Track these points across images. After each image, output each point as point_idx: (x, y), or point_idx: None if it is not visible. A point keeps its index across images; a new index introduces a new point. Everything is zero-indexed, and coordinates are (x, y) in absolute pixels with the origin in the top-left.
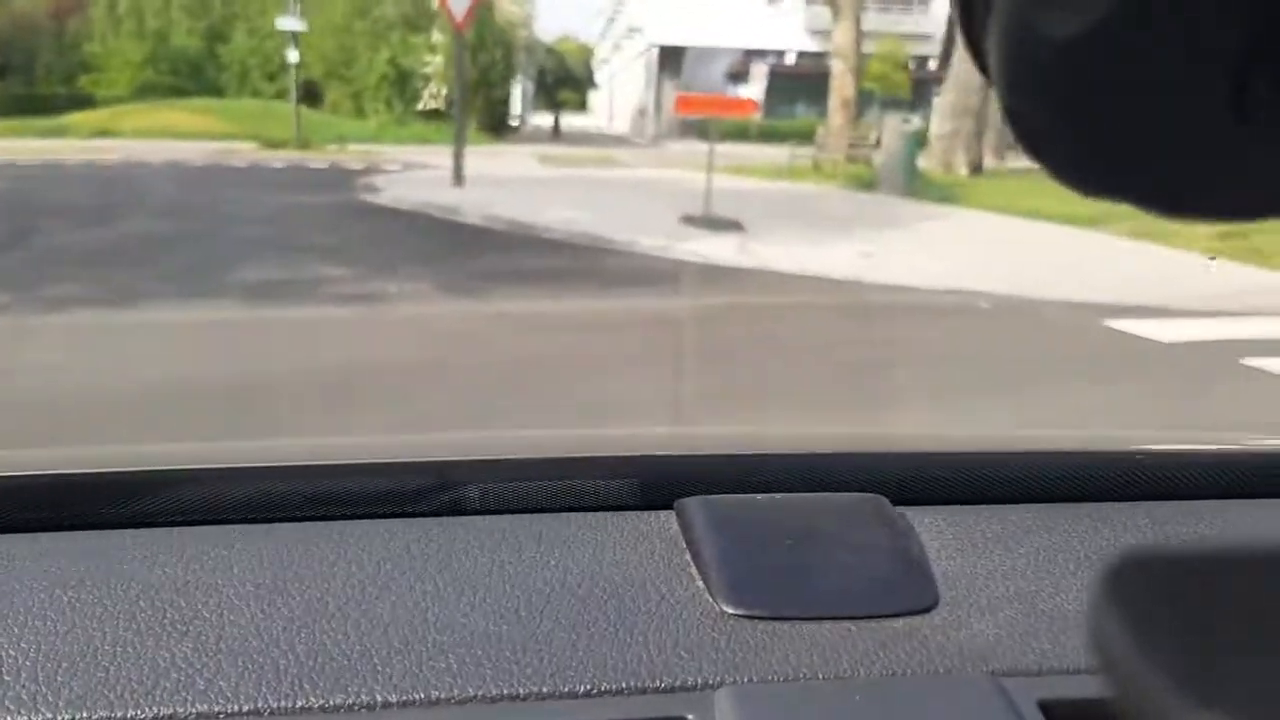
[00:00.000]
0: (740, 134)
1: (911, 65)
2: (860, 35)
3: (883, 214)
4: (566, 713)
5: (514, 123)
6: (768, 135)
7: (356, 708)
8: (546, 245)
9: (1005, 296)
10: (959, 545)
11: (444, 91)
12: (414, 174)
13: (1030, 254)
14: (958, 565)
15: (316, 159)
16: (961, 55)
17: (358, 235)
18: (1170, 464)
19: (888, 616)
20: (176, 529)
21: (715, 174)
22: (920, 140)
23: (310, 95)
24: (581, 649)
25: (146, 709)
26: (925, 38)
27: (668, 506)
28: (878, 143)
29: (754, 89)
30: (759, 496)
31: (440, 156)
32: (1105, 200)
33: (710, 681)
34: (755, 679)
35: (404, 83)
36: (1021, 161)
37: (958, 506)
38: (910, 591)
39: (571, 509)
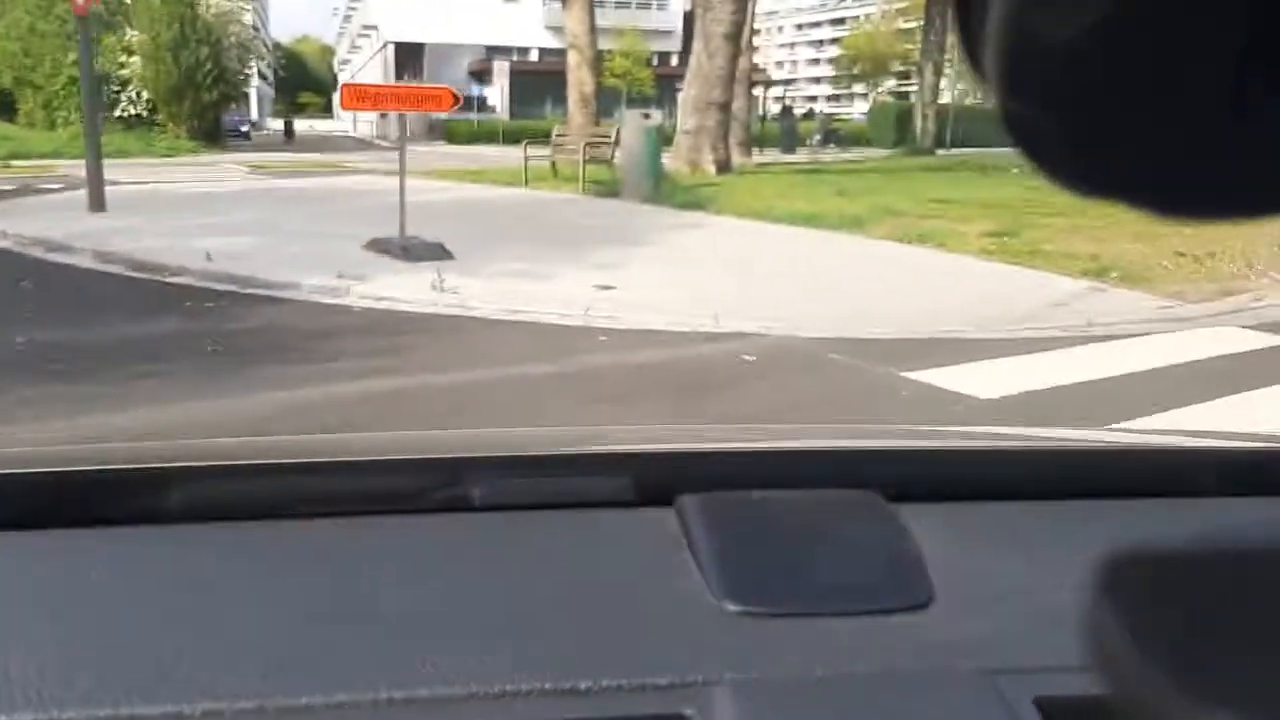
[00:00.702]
0: (488, 135)
1: (655, 61)
2: (594, 24)
3: (626, 227)
4: (567, 708)
5: (244, 128)
6: (515, 136)
7: (361, 703)
8: (164, 293)
9: (777, 340)
10: (954, 542)
11: (144, 95)
12: (64, 196)
13: (797, 271)
14: (953, 562)
15: None
16: (700, 46)
17: None
18: (1167, 461)
19: (883, 613)
20: (183, 526)
21: (437, 182)
22: (665, 137)
23: (5, 106)
24: (582, 644)
25: (153, 705)
26: (667, 34)
27: (668, 503)
28: (618, 140)
29: (497, 87)
30: (757, 493)
31: (130, 170)
32: (1102, 202)
33: (709, 677)
34: (753, 674)
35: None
36: (768, 156)
37: (953, 503)
38: (905, 588)
39: (573, 506)
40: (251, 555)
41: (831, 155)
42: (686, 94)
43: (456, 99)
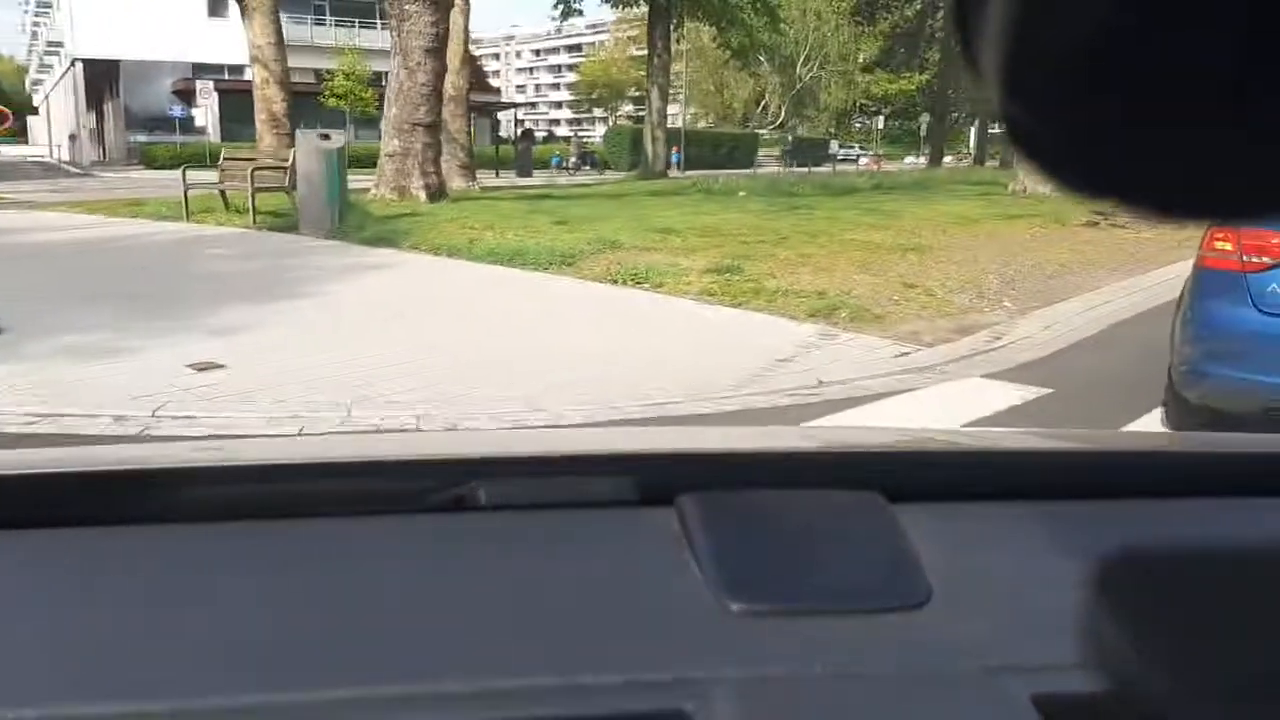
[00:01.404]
0: (195, 159)
1: (383, 82)
2: (281, 37)
3: (285, 271)
4: (568, 704)
5: None
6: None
7: (363, 699)
8: None
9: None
10: (953, 541)
11: None
12: None
13: (483, 328)
14: (952, 561)
15: None
16: (399, 62)
17: None
18: (1168, 462)
19: (882, 611)
20: (188, 525)
21: (80, 216)
22: (353, 161)
23: None
24: (582, 641)
25: (157, 701)
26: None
27: (668, 502)
28: (293, 166)
29: (204, 107)
30: (756, 492)
31: None
32: (1101, 204)
33: (708, 675)
34: (752, 672)
35: None
36: (504, 179)
37: (952, 503)
38: (904, 587)
39: (574, 505)
40: (255, 553)
41: (568, 179)
42: (388, 114)
43: (6, 116)
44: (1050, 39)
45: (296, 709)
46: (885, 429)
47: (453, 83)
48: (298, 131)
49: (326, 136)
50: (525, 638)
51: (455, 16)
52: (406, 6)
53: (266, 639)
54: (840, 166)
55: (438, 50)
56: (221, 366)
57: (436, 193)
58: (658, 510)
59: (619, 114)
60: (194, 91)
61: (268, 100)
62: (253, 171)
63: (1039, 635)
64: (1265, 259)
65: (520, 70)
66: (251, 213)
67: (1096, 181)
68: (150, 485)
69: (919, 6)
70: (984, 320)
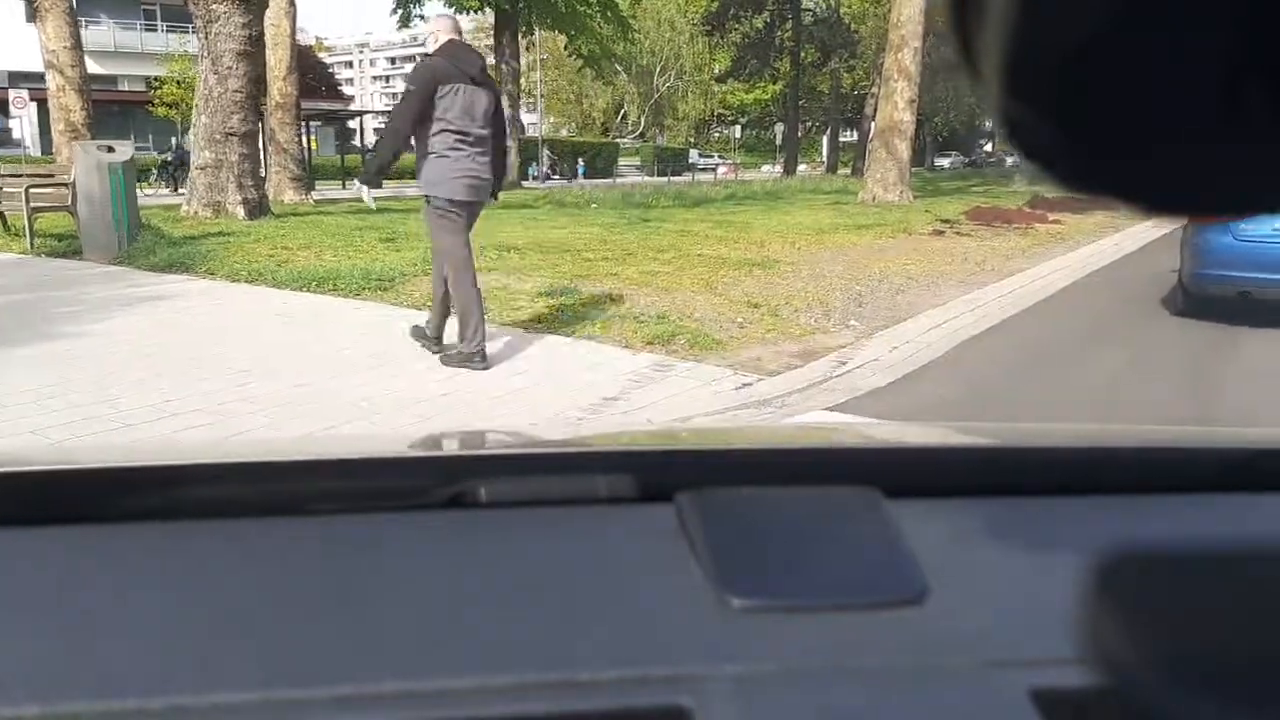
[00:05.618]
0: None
1: None
2: (79, 40)
3: (30, 308)
4: (567, 701)
5: None
6: None
7: (364, 696)
8: None
9: None
10: (951, 537)
11: None
12: None
13: (260, 371)
14: (950, 556)
15: None
16: (208, 67)
17: None
18: (1167, 458)
19: (880, 607)
20: (187, 523)
21: None
22: (147, 174)
23: None
24: (582, 638)
25: (160, 698)
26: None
27: (667, 499)
28: (74, 183)
29: (23, 118)
30: (755, 489)
31: None
32: (1096, 201)
33: (707, 670)
34: (751, 667)
35: None
36: (350, 192)
37: (950, 499)
38: (902, 582)
39: (573, 502)
40: (255, 551)
41: (416, 190)
42: (197, 123)
43: None
44: (1050, 39)
45: (296, 706)
46: (882, 425)
47: (280, 89)
48: (76, 145)
49: (110, 148)
50: (524, 634)
51: (280, 19)
52: (214, 7)
53: (266, 637)
54: (700, 175)
55: (251, 54)
56: None
57: (257, 208)
58: (657, 507)
59: None
60: (10, 101)
61: (65, 109)
62: (27, 190)
63: (1037, 630)
64: None
65: (376, 78)
66: (28, 236)
67: (1094, 181)
68: (148, 483)
69: (767, 18)
70: (830, 342)
